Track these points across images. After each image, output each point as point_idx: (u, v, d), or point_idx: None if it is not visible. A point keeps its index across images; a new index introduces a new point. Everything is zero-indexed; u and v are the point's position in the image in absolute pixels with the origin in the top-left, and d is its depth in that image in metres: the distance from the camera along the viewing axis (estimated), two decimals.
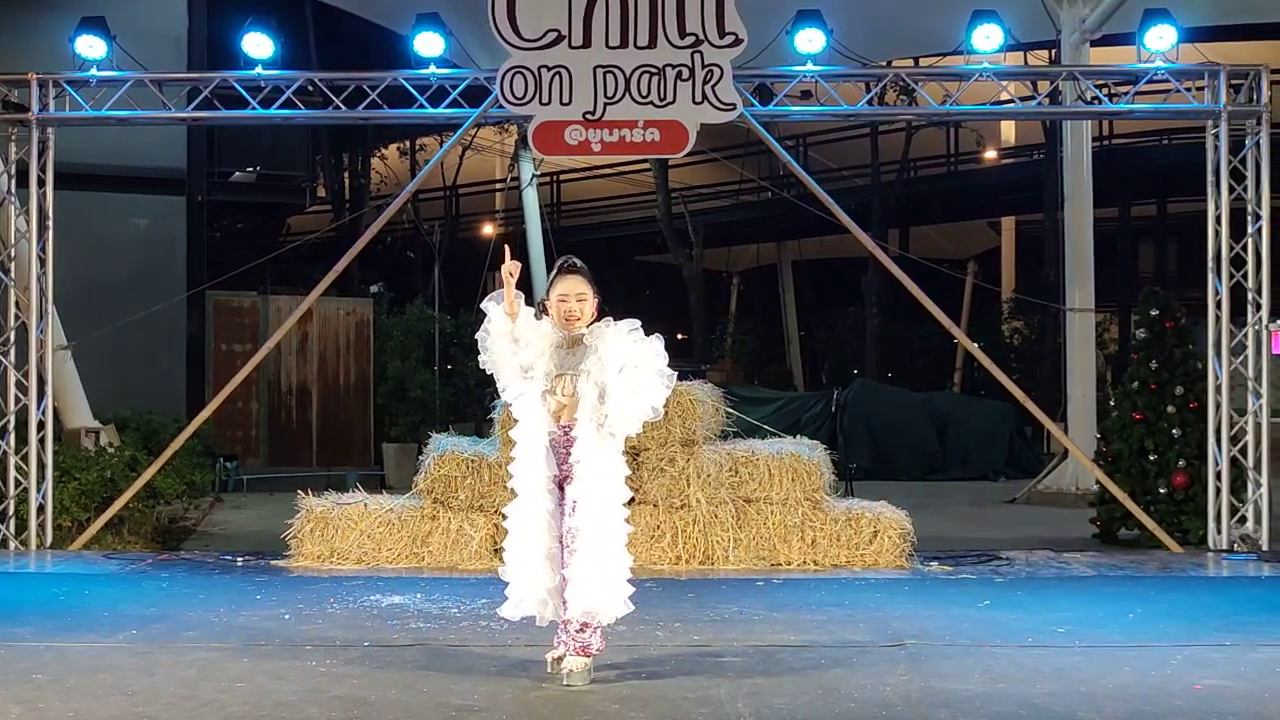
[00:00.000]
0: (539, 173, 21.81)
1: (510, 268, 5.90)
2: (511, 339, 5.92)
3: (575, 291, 5.95)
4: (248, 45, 10.73)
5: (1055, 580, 9.23)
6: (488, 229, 27.84)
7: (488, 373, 6.08)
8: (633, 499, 6.02)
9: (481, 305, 6.02)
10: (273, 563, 9.74)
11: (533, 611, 6.01)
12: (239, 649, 6.62)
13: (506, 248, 6.15)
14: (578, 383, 5.89)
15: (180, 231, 17.73)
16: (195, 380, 17.14)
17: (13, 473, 10.47)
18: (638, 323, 5.96)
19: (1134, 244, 27.16)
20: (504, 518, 6.16)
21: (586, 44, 10.39)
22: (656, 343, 5.95)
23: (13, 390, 10.57)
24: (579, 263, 6.05)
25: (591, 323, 5.99)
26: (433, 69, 10.77)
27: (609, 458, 5.89)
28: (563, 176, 28.89)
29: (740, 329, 30.59)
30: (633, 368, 5.85)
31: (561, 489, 5.96)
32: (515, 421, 6.06)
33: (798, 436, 10.54)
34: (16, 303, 10.69)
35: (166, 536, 11.42)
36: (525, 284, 21.69)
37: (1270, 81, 10.63)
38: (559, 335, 5.97)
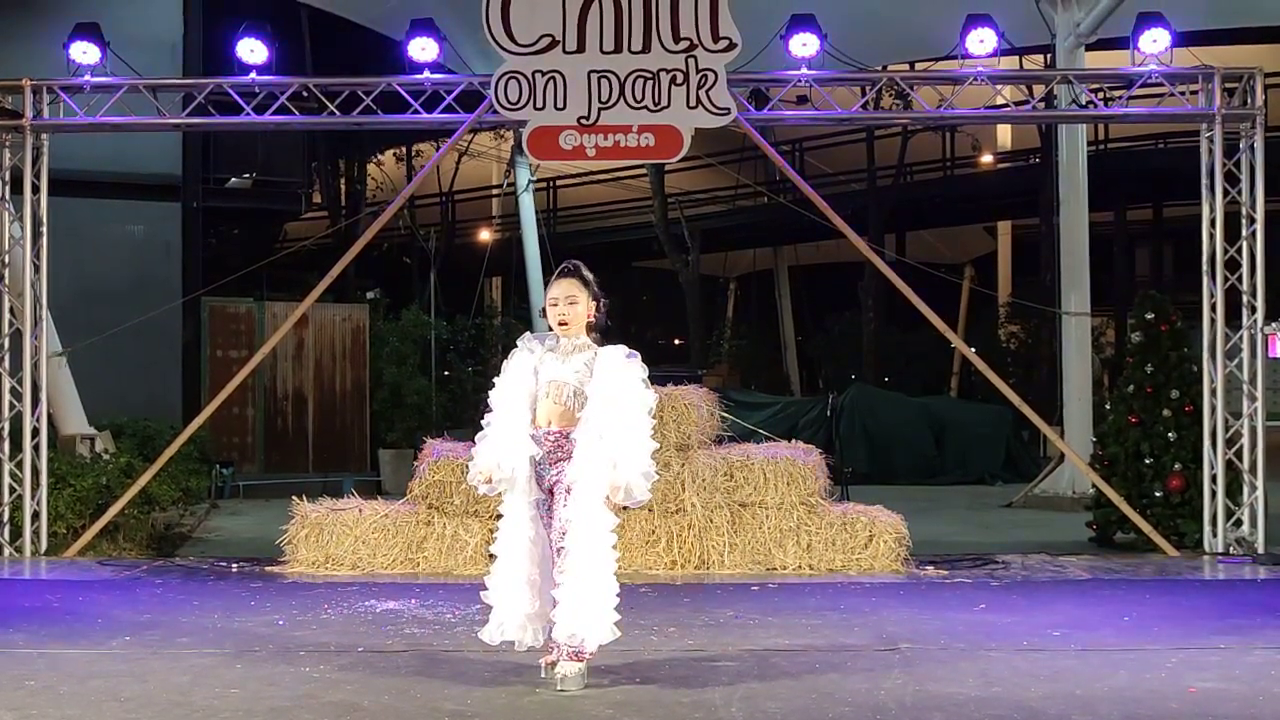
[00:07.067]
0: (535, 178, 21.82)
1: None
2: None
3: (565, 295, 5.95)
4: (242, 51, 10.71)
5: (1051, 583, 9.22)
6: (484, 235, 27.84)
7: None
8: (626, 506, 5.99)
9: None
10: (268, 569, 9.73)
11: (513, 637, 5.99)
12: (233, 655, 6.60)
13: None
14: (573, 394, 5.88)
15: (176, 238, 17.70)
16: (191, 386, 17.11)
17: (7, 479, 10.46)
18: (644, 372, 5.92)
19: (1130, 248, 27.20)
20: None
21: (580, 49, 10.40)
22: (647, 395, 5.88)
23: (7, 397, 10.56)
24: (575, 265, 6.03)
25: (589, 322, 5.98)
26: (427, 74, 10.77)
27: (602, 486, 5.88)
28: (559, 182, 28.91)
29: (737, 333, 30.62)
30: (630, 430, 5.81)
31: (550, 493, 5.95)
32: None
33: (793, 441, 10.54)
34: (11, 309, 10.68)
35: (162, 543, 11.39)
36: (522, 290, 21.82)
37: (1264, 84, 10.64)
38: (546, 352, 5.96)
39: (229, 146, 18.92)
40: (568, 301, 5.94)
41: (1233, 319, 10.58)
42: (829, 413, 17.22)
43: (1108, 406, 11.97)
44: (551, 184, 28.78)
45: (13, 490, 10.47)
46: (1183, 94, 10.80)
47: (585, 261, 6.11)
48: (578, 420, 5.87)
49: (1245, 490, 10.48)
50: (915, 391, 22.66)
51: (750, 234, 28.69)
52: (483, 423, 6.04)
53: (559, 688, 5.78)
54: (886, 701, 5.63)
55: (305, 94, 10.98)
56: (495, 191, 29.58)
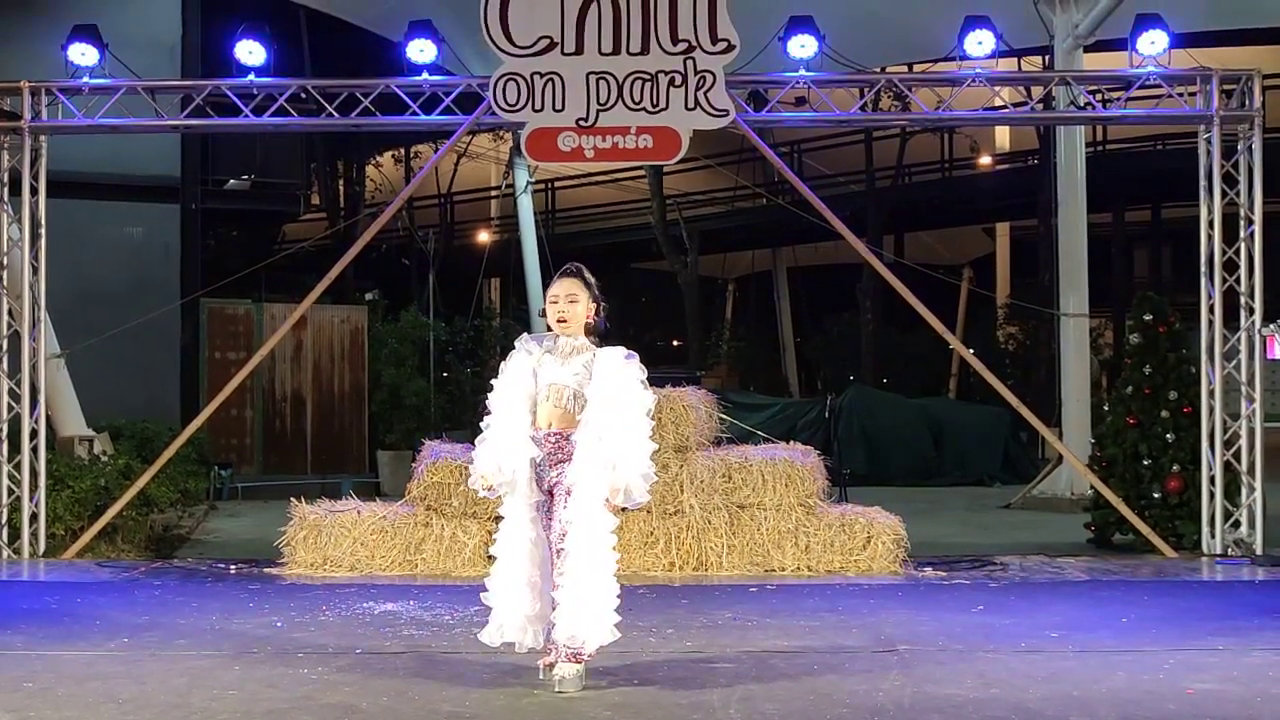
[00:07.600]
0: (533, 179, 21.83)
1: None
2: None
3: (566, 293, 5.99)
4: (240, 53, 10.70)
5: (1049, 585, 9.23)
6: (483, 236, 27.87)
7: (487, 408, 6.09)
8: (625, 508, 6.00)
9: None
10: (266, 570, 9.72)
11: (513, 639, 5.99)
12: (231, 657, 6.61)
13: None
14: (573, 397, 5.89)
15: (174, 239, 17.71)
16: (189, 388, 17.11)
17: (5, 481, 10.45)
18: (643, 373, 5.93)
19: (1128, 249, 27.20)
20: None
21: (579, 50, 10.40)
22: (645, 396, 5.89)
23: (5, 398, 10.55)
24: (578, 267, 6.07)
25: (588, 323, 5.99)
26: (425, 76, 10.77)
27: (602, 487, 5.88)
28: (557, 183, 28.92)
29: (735, 335, 30.63)
30: (629, 431, 5.81)
31: (550, 495, 5.95)
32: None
33: (791, 442, 10.54)
34: (9, 311, 10.67)
35: (160, 544, 11.39)
36: (521, 291, 21.83)
37: (1262, 86, 10.65)
38: (545, 354, 5.97)
39: (227, 148, 18.91)
40: (568, 300, 5.97)
41: (1231, 320, 10.58)
42: (827, 414, 17.22)
43: (1106, 408, 11.97)
44: (550, 185, 28.79)
45: (11, 492, 10.46)
46: (1181, 95, 10.80)
47: (584, 263, 6.15)
48: (578, 422, 5.88)
49: (1243, 491, 10.48)
50: (914, 393, 22.64)
51: (749, 235, 28.69)
52: (482, 425, 6.05)
53: (557, 689, 5.78)
54: (885, 703, 5.64)
55: (304, 96, 10.97)
56: (494, 193, 29.61)
